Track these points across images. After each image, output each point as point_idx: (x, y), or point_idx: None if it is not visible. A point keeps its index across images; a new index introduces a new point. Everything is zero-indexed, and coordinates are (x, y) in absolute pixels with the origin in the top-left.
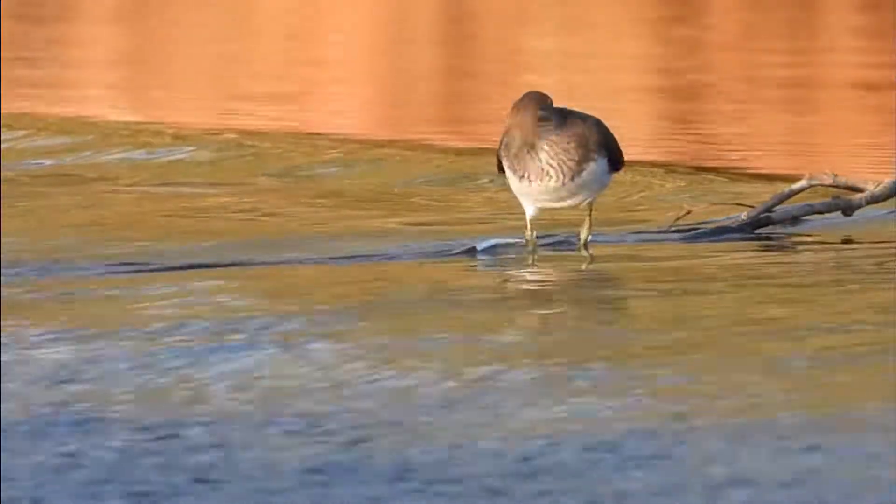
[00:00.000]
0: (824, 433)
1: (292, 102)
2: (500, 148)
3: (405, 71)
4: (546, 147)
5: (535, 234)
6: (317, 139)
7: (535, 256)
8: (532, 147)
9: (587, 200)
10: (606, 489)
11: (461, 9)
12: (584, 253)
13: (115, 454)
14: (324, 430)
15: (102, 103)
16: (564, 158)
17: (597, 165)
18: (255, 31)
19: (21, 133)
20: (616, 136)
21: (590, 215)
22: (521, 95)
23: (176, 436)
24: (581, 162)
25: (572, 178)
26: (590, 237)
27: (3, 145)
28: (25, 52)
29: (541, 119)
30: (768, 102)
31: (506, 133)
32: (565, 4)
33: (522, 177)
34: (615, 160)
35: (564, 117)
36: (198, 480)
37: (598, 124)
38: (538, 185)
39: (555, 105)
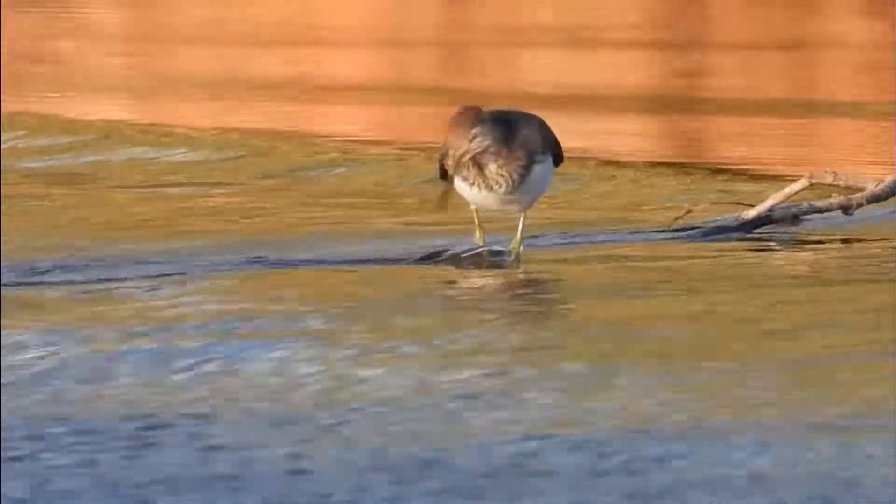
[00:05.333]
0: (825, 433)
1: (292, 102)
2: (442, 157)
3: (405, 71)
4: (493, 159)
5: (485, 237)
6: (317, 139)
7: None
8: (477, 162)
9: (531, 202)
10: (602, 491)
11: (460, 8)
12: (516, 264)
13: (116, 454)
14: (324, 429)
15: (103, 103)
16: (513, 167)
17: (542, 167)
18: (256, 31)
19: (21, 133)
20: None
21: (521, 224)
22: (456, 112)
23: (175, 434)
24: (528, 166)
25: (521, 184)
26: (522, 248)
27: (3, 145)
28: (25, 51)
29: (479, 133)
30: (769, 100)
31: (447, 144)
32: (564, 14)
33: (473, 184)
34: (557, 156)
35: (505, 123)
36: (198, 478)
37: (541, 124)
38: (488, 194)
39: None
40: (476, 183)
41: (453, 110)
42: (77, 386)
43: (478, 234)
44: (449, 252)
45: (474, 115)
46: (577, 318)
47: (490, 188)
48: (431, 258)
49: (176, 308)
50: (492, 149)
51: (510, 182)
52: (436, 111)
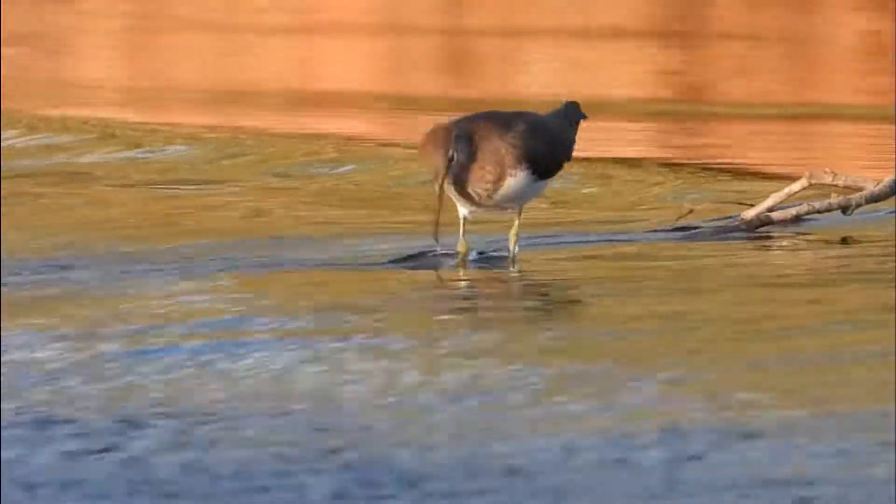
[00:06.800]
0: (824, 433)
1: (292, 102)
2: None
3: (405, 71)
4: (460, 175)
5: (467, 243)
6: (317, 139)
7: (465, 266)
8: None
9: (517, 207)
10: (600, 490)
11: (461, 7)
12: (512, 267)
13: (116, 454)
14: (322, 430)
15: (103, 102)
16: (479, 183)
17: (515, 180)
18: (256, 31)
19: (21, 132)
20: (551, 141)
21: (516, 226)
22: (428, 133)
23: (176, 434)
24: (497, 181)
25: (493, 196)
26: (517, 249)
27: (3, 144)
28: (26, 51)
29: (455, 150)
30: (768, 101)
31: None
32: (565, 14)
33: (455, 194)
34: (543, 169)
35: (470, 137)
36: (197, 479)
37: (523, 135)
38: (465, 202)
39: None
40: (454, 193)
41: (454, 110)
42: (76, 384)
43: (460, 241)
44: (430, 252)
45: (447, 135)
46: (577, 318)
47: (467, 199)
48: (412, 258)
49: (175, 307)
50: (458, 164)
51: (479, 196)
52: (436, 112)
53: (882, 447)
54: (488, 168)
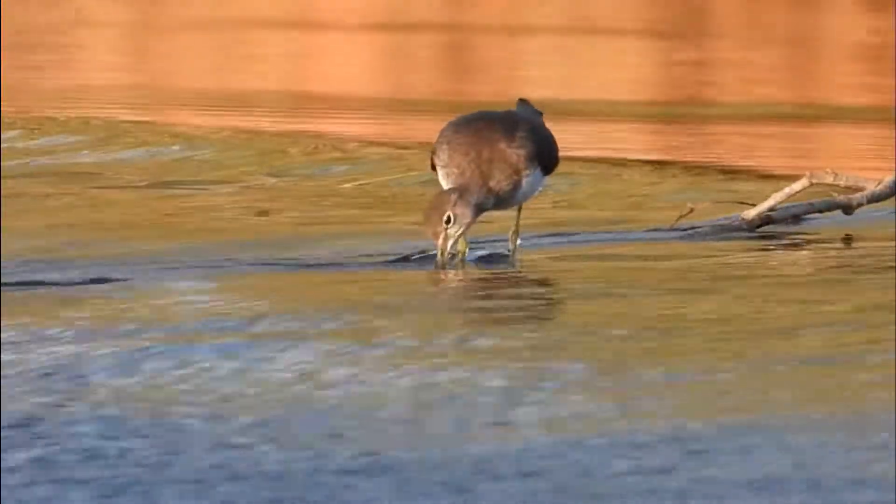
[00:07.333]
0: (824, 433)
1: (292, 102)
2: (433, 155)
3: (405, 71)
4: (478, 186)
5: (466, 242)
6: (317, 139)
7: (464, 265)
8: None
9: (521, 203)
10: (601, 492)
11: (461, 7)
12: (514, 266)
13: (115, 454)
14: (320, 430)
15: (103, 102)
16: (499, 188)
17: (529, 179)
18: (257, 31)
19: (21, 133)
20: (548, 137)
21: (516, 226)
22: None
23: (174, 435)
24: (516, 184)
25: (510, 199)
26: (517, 248)
27: (3, 145)
28: (26, 51)
29: (453, 217)
30: (768, 101)
31: (438, 143)
32: (566, 16)
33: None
34: (548, 166)
35: (482, 144)
36: (195, 480)
37: (530, 135)
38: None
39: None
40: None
41: (454, 110)
42: (74, 385)
43: (461, 241)
44: (429, 252)
45: (445, 199)
46: (577, 318)
47: (497, 209)
48: (411, 258)
49: (175, 308)
50: (476, 176)
51: (496, 200)
52: (436, 112)
53: (882, 447)
54: (504, 178)
